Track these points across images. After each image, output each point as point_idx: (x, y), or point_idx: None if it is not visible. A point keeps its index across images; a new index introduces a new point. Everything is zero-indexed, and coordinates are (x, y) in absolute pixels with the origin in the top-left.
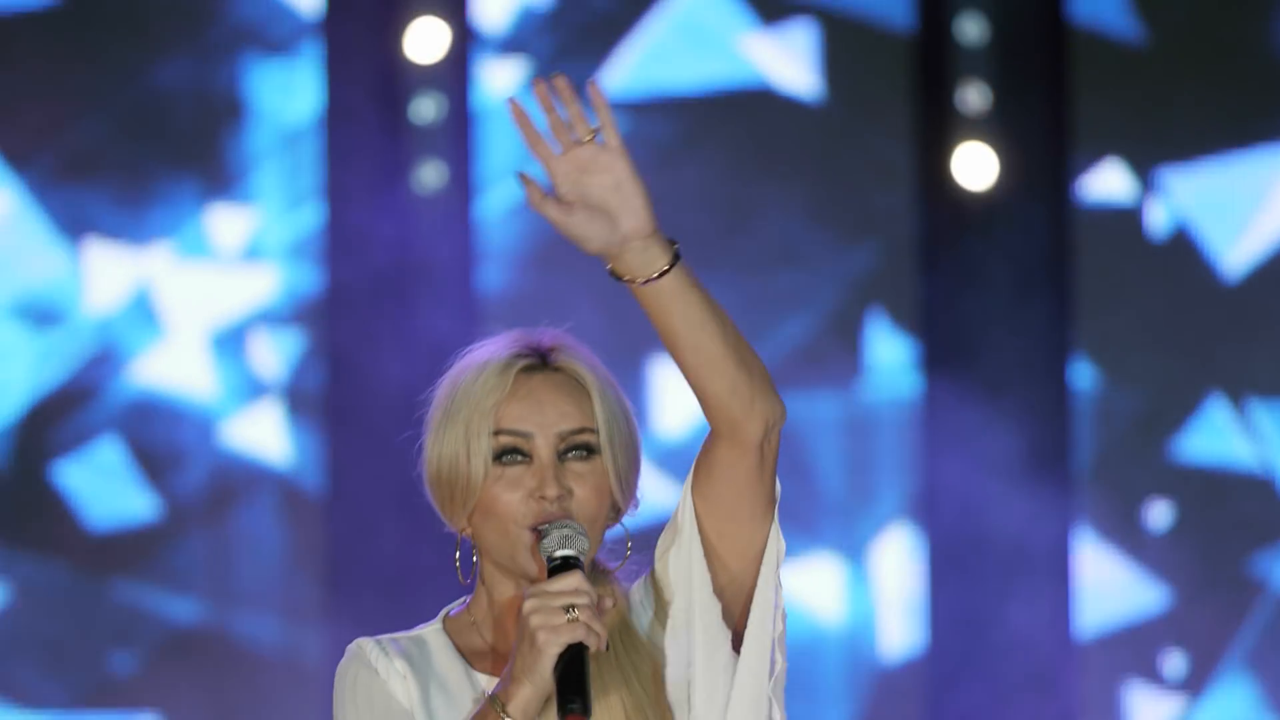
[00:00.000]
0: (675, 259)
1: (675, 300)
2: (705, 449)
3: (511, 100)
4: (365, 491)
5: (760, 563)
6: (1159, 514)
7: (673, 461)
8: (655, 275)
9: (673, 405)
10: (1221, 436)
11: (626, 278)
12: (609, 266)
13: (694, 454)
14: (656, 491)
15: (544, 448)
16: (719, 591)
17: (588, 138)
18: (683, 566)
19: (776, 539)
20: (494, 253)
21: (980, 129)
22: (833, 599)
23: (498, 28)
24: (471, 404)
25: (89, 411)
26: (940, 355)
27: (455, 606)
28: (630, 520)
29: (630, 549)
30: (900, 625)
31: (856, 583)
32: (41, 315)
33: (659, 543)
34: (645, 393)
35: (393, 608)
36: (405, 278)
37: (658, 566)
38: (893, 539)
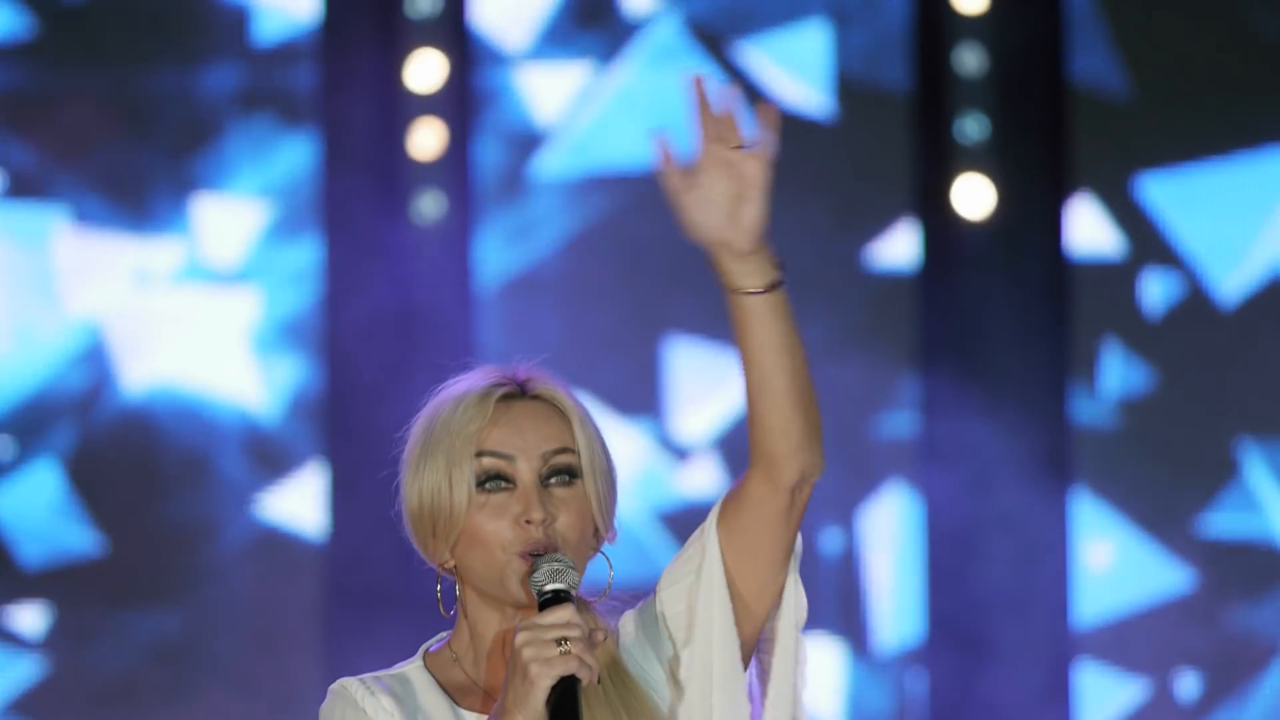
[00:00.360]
0: (771, 286)
1: (756, 322)
2: (739, 483)
3: (696, 76)
4: (365, 531)
5: (776, 609)
6: (1160, 523)
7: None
8: (743, 291)
9: (685, 416)
10: (1219, 458)
11: (719, 278)
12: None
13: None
14: (670, 492)
15: (526, 471)
16: (736, 624)
17: (735, 144)
18: (704, 597)
19: (798, 593)
20: (494, 284)
21: (979, 160)
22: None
23: (497, 57)
24: (452, 433)
25: (46, 432)
26: (941, 380)
27: (434, 643)
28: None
29: (611, 583)
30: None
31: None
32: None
33: (666, 576)
34: (660, 411)
35: (393, 651)
36: (404, 309)
37: (665, 595)
38: (891, 566)
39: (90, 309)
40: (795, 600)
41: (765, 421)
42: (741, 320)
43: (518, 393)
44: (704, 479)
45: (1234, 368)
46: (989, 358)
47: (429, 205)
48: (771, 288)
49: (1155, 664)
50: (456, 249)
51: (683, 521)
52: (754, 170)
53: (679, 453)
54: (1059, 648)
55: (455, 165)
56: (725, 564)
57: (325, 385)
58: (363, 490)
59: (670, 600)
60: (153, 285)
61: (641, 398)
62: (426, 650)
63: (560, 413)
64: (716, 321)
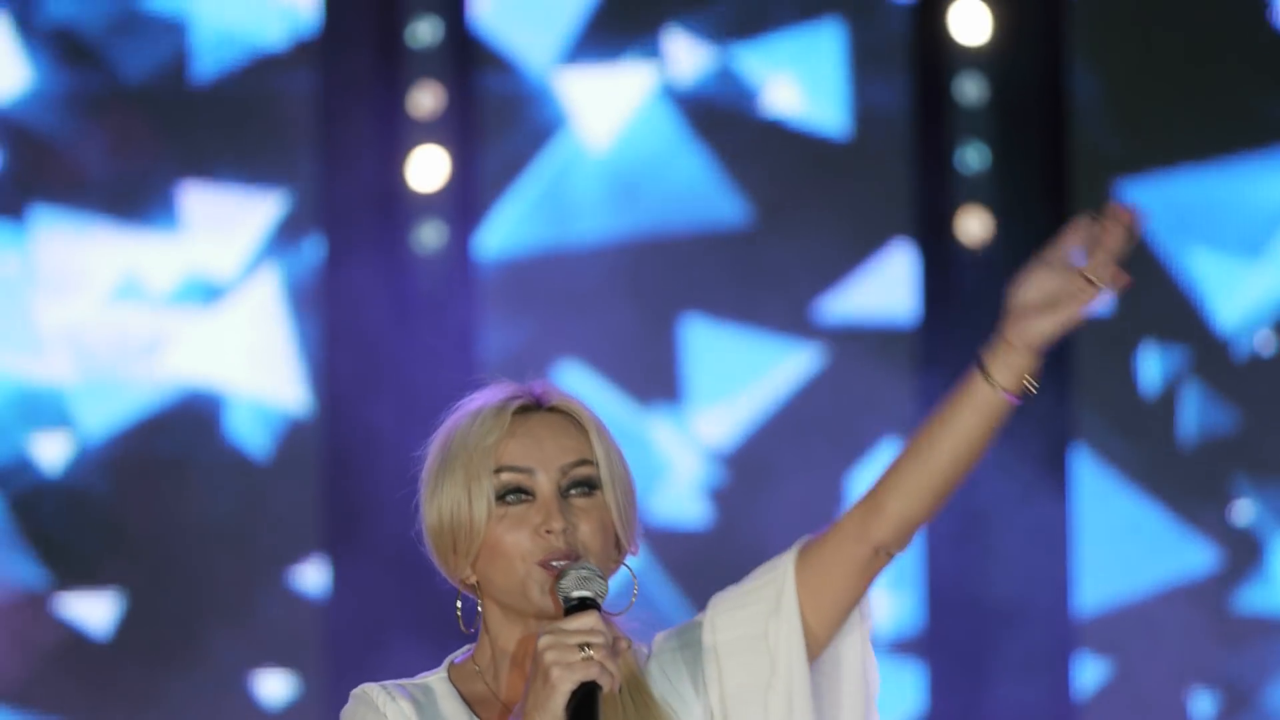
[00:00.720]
0: (1004, 389)
1: (969, 402)
2: (829, 526)
3: (1129, 210)
4: (364, 572)
5: (838, 669)
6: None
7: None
8: (983, 369)
9: (700, 417)
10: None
11: (991, 340)
12: None
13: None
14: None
15: (546, 483)
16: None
17: (1092, 275)
18: (784, 628)
19: (868, 660)
20: (495, 311)
21: (979, 188)
22: None
23: (499, 80)
24: (469, 447)
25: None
26: (940, 382)
27: (459, 654)
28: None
29: (636, 596)
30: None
31: None
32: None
33: (724, 601)
34: (672, 410)
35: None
36: (404, 339)
37: (721, 620)
38: (890, 602)
39: (73, 318)
40: (864, 665)
41: (900, 478)
42: (962, 389)
43: (534, 405)
44: (684, 503)
45: (1229, 390)
46: None
47: (429, 235)
48: (1003, 390)
49: (1157, 662)
50: (457, 280)
51: (655, 534)
52: (1077, 303)
53: (671, 466)
54: (1059, 643)
55: (456, 193)
56: (799, 598)
57: (322, 413)
58: (363, 513)
59: (729, 625)
60: (142, 300)
61: (649, 402)
62: (451, 661)
63: (578, 425)
64: (729, 321)
